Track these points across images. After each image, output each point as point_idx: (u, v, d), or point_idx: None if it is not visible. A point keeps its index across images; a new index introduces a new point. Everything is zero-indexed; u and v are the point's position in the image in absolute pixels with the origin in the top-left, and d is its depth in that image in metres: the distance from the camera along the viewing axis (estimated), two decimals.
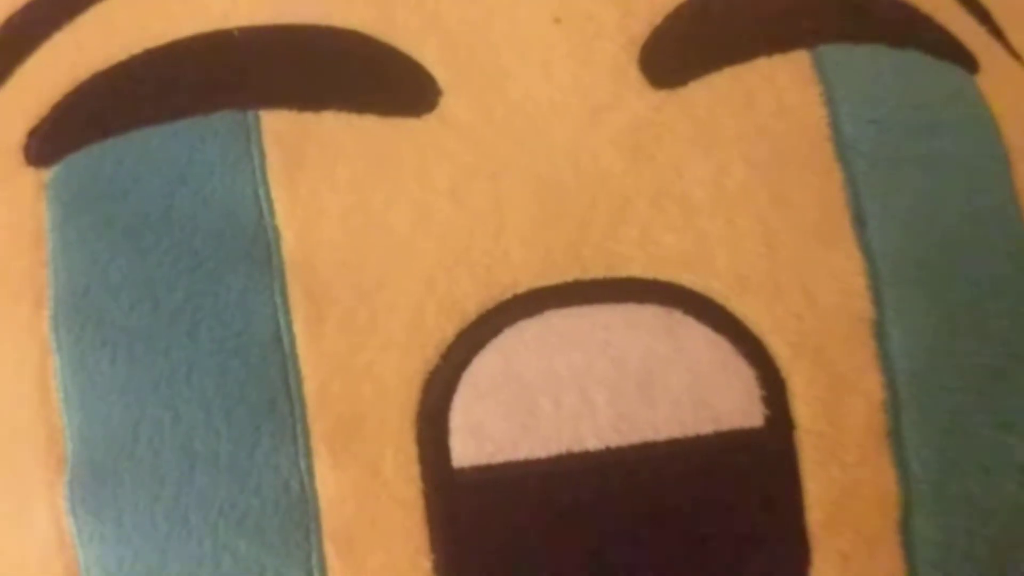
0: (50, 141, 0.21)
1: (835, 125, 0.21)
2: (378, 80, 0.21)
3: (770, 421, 0.20)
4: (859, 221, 0.21)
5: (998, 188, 0.22)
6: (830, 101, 0.22)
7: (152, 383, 0.19)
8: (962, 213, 0.22)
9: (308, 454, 0.19)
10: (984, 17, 0.25)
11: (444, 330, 0.19)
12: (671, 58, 0.21)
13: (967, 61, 0.24)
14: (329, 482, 0.19)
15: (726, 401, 0.20)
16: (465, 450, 0.19)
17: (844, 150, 0.21)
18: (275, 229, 0.20)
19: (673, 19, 0.22)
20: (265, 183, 0.20)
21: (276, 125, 0.21)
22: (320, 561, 0.19)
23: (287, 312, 0.19)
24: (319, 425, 0.19)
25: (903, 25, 0.23)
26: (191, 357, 0.19)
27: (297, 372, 0.19)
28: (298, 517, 0.19)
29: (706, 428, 0.20)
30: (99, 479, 0.19)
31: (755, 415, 0.20)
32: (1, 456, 0.20)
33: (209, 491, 0.19)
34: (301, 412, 0.19)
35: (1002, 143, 0.23)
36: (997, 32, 0.25)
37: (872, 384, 0.20)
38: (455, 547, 0.19)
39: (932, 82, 0.23)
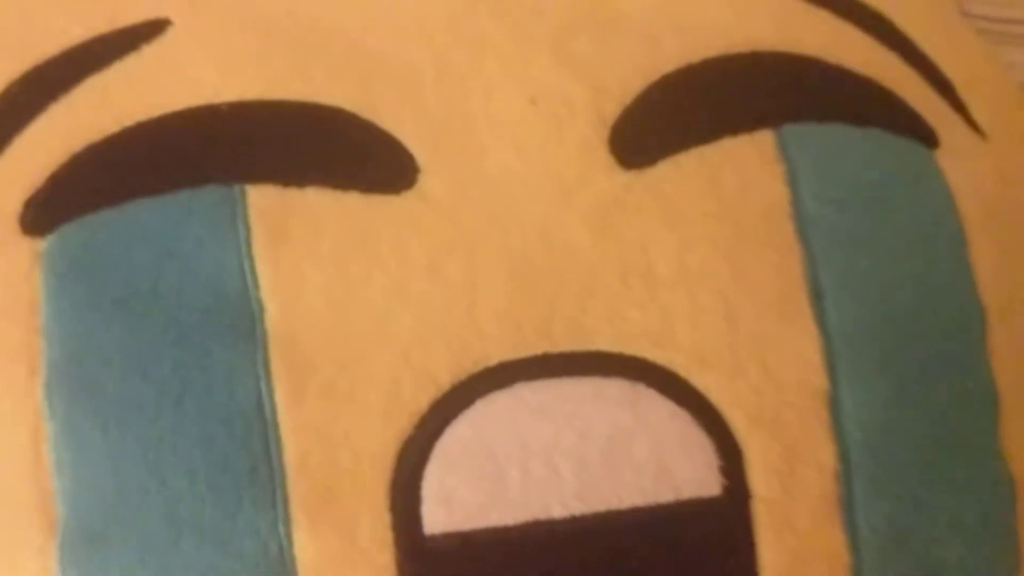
0: (45, 211, 0.22)
1: (796, 203, 0.22)
2: (360, 157, 0.22)
3: (728, 490, 0.21)
4: (816, 296, 0.22)
5: (952, 265, 0.23)
6: (792, 180, 0.23)
7: (140, 451, 0.20)
8: (916, 290, 0.23)
9: (287, 520, 0.20)
10: (946, 90, 0.26)
11: (419, 401, 0.20)
12: (640, 138, 0.22)
13: (927, 136, 0.25)
14: (307, 547, 0.20)
15: (686, 471, 0.21)
16: (436, 517, 0.20)
17: (804, 228, 0.22)
18: (259, 302, 0.21)
19: (642, 99, 0.23)
20: (250, 256, 0.21)
21: (261, 200, 0.21)
22: None
23: (269, 383, 0.20)
24: (298, 492, 0.20)
25: (865, 102, 0.24)
26: (177, 426, 0.20)
27: (278, 441, 0.20)
28: None
29: (667, 497, 0.21)
30: (89, 543, 0.20)
31: (713, 484, 0.21)
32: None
33: (193, 555, 0.20)
34: (281, 479, 0.20)
35: (958, 220, 0.24)
36: (959, 105, 0.26)
37: (825, 454, 0.21)
38: None
39: (892, 160, 0.24)
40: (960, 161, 0.25)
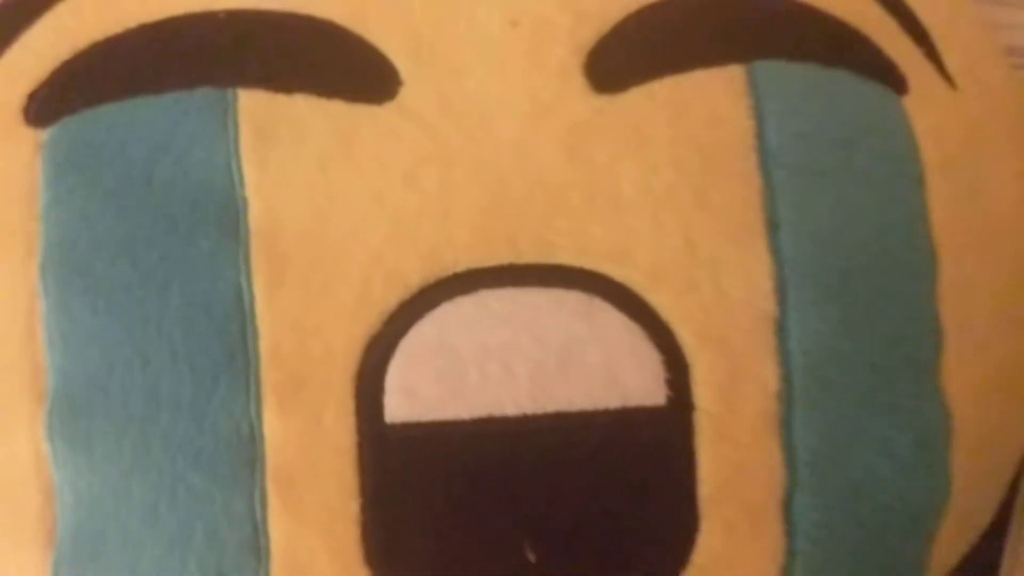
0: (48, 104, 0.23)
1: (761, 136, 0.24)
2: (346, 68, 0.23)
3: (672, 401, 0.22)
4: (773, 226, 0.23)
5: (908, 205, 0.25)
6: (759, 114, 0.24)
7: (126, 331, 0.22)
8: (870, 225, 0.24)
9: (259, 402, 0.21)
10: (922, 39, 0.27)
11: (388, 300, 0.22)
12: (614, 65, 0.23)
13: (896, 82, 0.26)
14: (275, 428, 0.21)
15: (634, 380, 0.22)
16: (398, 408, 0.22)
17: (767, 160, 0.23)
18: (244, 199, 0.22)
19: (620, 28, 0.24)
20: (238, 156, 0.22)
21: (251, 103, 0.23)
22: (262, 496, 0.21)
23: (249, 275, 0.22)
24: (270, 377, 0.21)
25: (837, 45, 0.25)
26: (162, 310, 0.22)
27: (254, 329, 0.22)
28: (246, 457, 0.21)
29: (614, 403, 0.22)
30: (75, 412, 0.22)
31: (659, 395, 0.22)
32: None
33: (170, 429, 0.21)
34: (256, 365, 0.21)
35: (918, 164, 0.25)
36: (933, 55, 0.27)
37: (769, 375, 0.23)
38: (382, 492, 0.21)
39: (857, 101, 0.25)
40: (927, 108, 0.26)
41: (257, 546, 0.21)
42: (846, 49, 0.25)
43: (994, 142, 0.27)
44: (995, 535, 0.31)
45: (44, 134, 0.23)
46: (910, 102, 0.26)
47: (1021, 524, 0.32)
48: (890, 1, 0.27)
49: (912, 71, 0.26)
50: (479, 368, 0.22)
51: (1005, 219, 0.27)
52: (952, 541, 0.26)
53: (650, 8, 0.24)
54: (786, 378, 0.23)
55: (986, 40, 0.29)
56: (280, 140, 0.23)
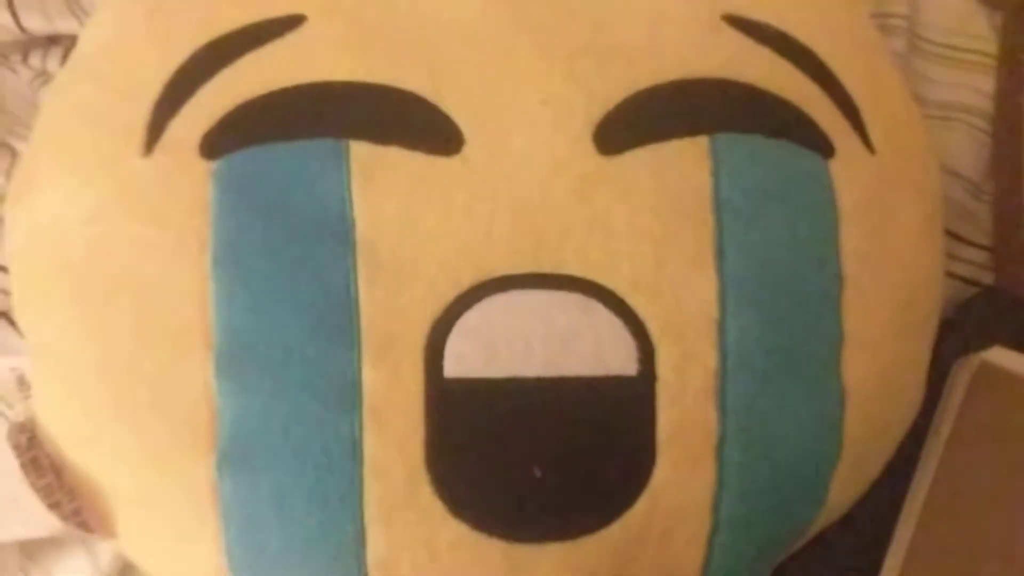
0: (217, 143, 0.31)
1: (716, 189, 0.32)
2: (425, 129, 0.32)
3: (641, 373, 0.31)
4: (720, 254, 0.32)
5: (822, 241, 0.33)
6: (716, 173, 0.32)
7: (270, 306, 0.30)
8: (792, 256, 0.32)
9: (359, 358, 0.30)
10: (852, 114, 0.35)
11: (448, 294, 0.31)
12: (614, 135, 0.32)
13: (825, 148, 0.34)
14: (370, 376, 0.30)
15: (615, 357, 0.31)
16: (452, 367, 0.31)
17: (719, 207, 0.32)
18: (352, 220, 0.31)
19: (620, 107, 0.32)
20: (349, 189, 0.31)
21: (359, 151, 0.31)
22: (360, 421, 0.30)
23: (355, 272, 0.31)
24: (367, 341, 0.30)
25: (782, 120, 0.33)
26: (294, 293, 0.30)
27: (357, 310, 0.31)
28: (350, 395, 0.30)
29: (601, 371, 0.31)
30: (233, 359, 0.30)
31: (632, 368, 0.31)
32: (176, 340, 0.31)
33: (298, 374, 0.30)
34: (357, 333, 0.30)
35: (835, 211, 0.33)
36: (859, 126, 0.35)
37: (710, 359, 0.31)
38: (439, 423, 0.30)
39: (791, 165, 0.33)
40: (848, 169, 0.34)
41: (355, 454, 0.30)
42: (787, 123, 0.33)
43: (902, 194, 0.36)
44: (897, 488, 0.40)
45: (213, 165, 0.31)
46: (835, 164, 0.34)
47: (923, 472, 0.40)
48: (827, 83, 0.35)
49: (839, 139, 0.34)
50: (508, 343, 0.31)
51: (908, 251, 0.35)
52: (845, 485, 0.35)
53: (643, 92, 0.32)
54: (722, 361, 0.32)
55: (905, 108, 0.38)
56: (378, 179, 0.31)
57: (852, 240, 0.34)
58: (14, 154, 0.46)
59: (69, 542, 0.41)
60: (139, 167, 0.32)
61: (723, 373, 0.32)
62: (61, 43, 0.46)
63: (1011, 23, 0.46)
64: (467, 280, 0.31)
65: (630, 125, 0.32)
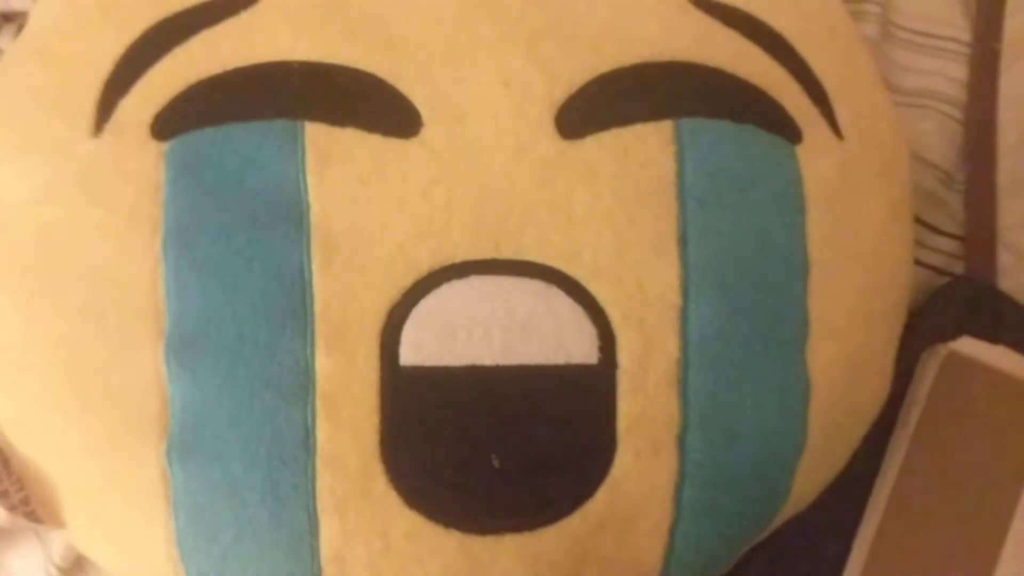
0: (168, 124, 0.31)
1: (680, 175, 0.32)
2: (383, 110, 0.31)
3: (602, 361, 0.31)
4: (683, 241, 0.31)
5: (788, 228, 0.33)
6: (680, 158, 0.32)
7: (221, 290, 0.30)
8: (756, 243, 0.32)
9: (312, 345, 0.30)
10: (821, 100, 0.34)
11: (405, 279, 0.30)
12: (576, 119, 0.31)
13: (793, 134, 0.33)
14: (323, 363, 0.30)
15: (576, 345, 0.31)
16: (409, 355, 0.30)
17: (683, 193, 0.32)
18: (307, 203, 0.30)
19: (583, 90, 0.32)
20: (304, 171, 0.31)
21: (315, 133, 0.31)
22: (312, 410, 0.30)
23: (309, 256, 0.30)
24: (321, 329, 0.30)
25: (748, 105, 0.33)
26: (247, 277, 0.30)
27: (311, 294, 0.30)
28: (302, 382, 0.30)
29: (561, 360, 0.31)
30: (184, 345, 0.30)
31: (593, 356, 0.31)
32: (126, 325, 0.30)
33: (250, 360, 0.30)
34: (311, 319, 0.30)
35: (801, 197, 0.33)
36: (828, 112, 0.35)
37: (672, 346, 0.31)
38: (394, 412, 0.30)
39: (757, 150, 0.33)
40: (815, 155, 0.34)
41: (307, 444, 0.30)
42: (754, 108, 0.33)
43: (870, 181, 0.35)
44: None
45: (165, 146, 0.31)
46: (802, 150, 0.33)
47: (890, 462, 0.40)
48: (795, 67, 0.34)
49: (806, 125, 0.34)
50: (467, 330, 0.30)
51: (874, 239, 0.35)
52: (810, 474, 0.35)
53: (605, 76, 0.32)
54: (684, 350, 0.31)
55: (876, 94, 0.37)
56: (334, 161, 0.31)
57: (819, 227, 0.33)
58: None
59: (21, 533, 0.41)
60: (89, 148, 0.32)
61: (685, 361, 0.31)
62: (15, 20, 0.45)
63: (984, 11, 0.46)
64: (425, 265, 0.30)
65: (593, 109, 0.32)
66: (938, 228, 0.46)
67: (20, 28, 0.44)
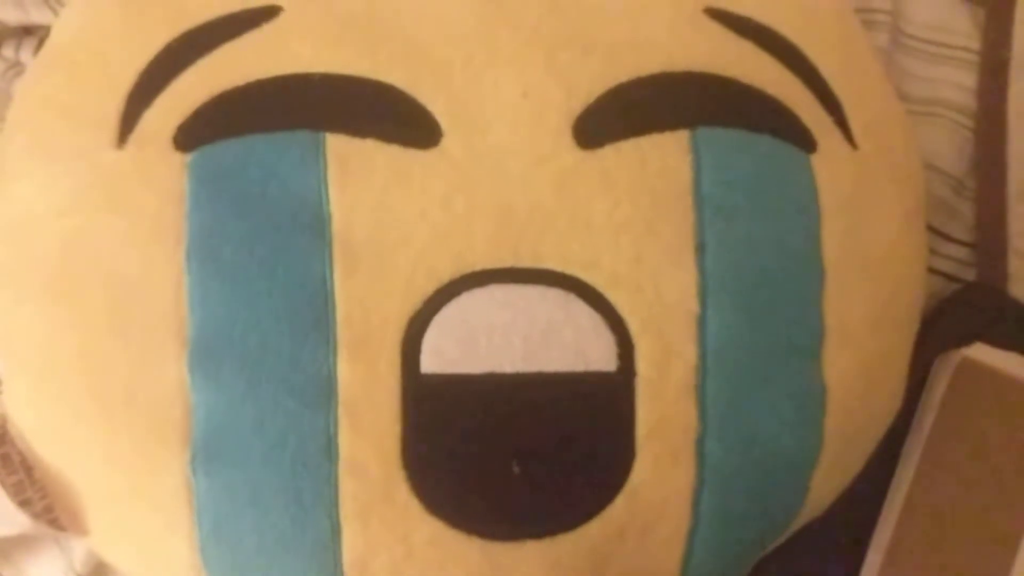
0: (191, 135, 0.31)
1: (696, 184, 0.32)
2: (403, 121, 0.31)
3: (620, 369, 0.31)
4: (700, 249, 0.31)
5: (804, 237, 0.33)
6: (696, 167, 0.32)
7: (245, 300, 0.30)
8: (773, 251, 0.32)
9: (335, 353, 0.30)
10: (834, 110, 0.35)
11: (426, 288, 0.30)
12: (594, 128, 0.31)
13: (807, 143, 0.33)
14: (345, 371, 0.30)
15: (595, 352, 0.31)
16: (430, 362, 0.30)
17: (699, 201, 0.32)
18: (329, 212, 0.31)
19: (600, 100, 0.32)
20: (325, 181, 0.31)
21: (336, 144, 0.31)
22: (335, 417, 0.30)
23: (331, 265, 0.30)
24: (343, 337, 0.30)
25: (764, 115, 0.33)
26: (270, 286, 0.30)
27: (333, 303, 0.30)
28: (325, 390, 0.30)
29: (580, 367, 0.31)
30: (208, 353, 0.30)
31: (611, 363, 0.31)
32: (150, 334, 0.31)
33: (273, 368, 0.30)
34: (333, 327, 0.30)
35: (816, 206, 0.33)
36: (842, 122, 0.35)
37: (690, 354, 0.31)
38: (416, 419, 0.30)
39: (773, 159, 0.33)
40: (830, 164, 0.34)
41: (329, 451, 0.30)
42: (769, 117, 0.33)
43: (883, 190, 0.36)
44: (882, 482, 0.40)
45: (188, 157, 0.31)
46: (816, 159, 0.34)
47: (904, 469, 0.40)
48: (809, 78, 0.35)
49: (821, 134, 0.34)
50: (487, 338, 0.31)
51: (888, 247, 0.35)
52: (826, 480, 0.35)
53: (624, 85, 0.32)
54: (702, 356, 0.31)
55: (888, 103, 0.38)
56: (355, 171, 0.31)
57: (834, 235, 0.33)
58: None
59: (42, 540, 0.41)
60: (113, 159, 0.32)
61: (703, 368, 0.31)
62: (35, 34, 0.46)
63: (993, 20, 0.46)
64: (445, 274, 0.31)
65: (610, 118, 0.32)
66: (949, 235, 0.46)
67: (41, 41, 0.44)
